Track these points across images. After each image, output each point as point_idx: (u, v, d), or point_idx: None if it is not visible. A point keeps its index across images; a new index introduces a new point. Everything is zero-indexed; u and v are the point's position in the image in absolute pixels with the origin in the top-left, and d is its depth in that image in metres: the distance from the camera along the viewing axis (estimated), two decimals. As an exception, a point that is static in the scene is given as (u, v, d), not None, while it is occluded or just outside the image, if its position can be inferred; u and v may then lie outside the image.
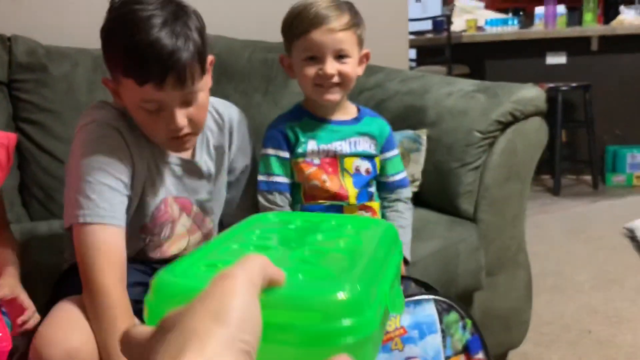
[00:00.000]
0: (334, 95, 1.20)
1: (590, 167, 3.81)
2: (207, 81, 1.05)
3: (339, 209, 1.24)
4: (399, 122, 1.55)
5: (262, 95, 1.84)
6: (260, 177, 1.23)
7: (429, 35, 4.26)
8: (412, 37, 3.65)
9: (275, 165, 1.22)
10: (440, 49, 3.99)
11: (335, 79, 1.18)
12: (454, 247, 1.43)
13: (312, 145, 1.23)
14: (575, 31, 3.93)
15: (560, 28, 4.03)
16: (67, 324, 0.94)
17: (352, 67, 1.19)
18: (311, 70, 1.17)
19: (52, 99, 1.55)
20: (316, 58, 1.17)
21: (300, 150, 1.23)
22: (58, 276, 1.15)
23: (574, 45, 3.90)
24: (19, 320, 0.96)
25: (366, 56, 1.24)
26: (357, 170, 1.27)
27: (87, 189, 0.99)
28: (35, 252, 1.30)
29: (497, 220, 1.49)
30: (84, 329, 0.94)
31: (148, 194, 1.10)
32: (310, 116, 1.26)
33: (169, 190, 1.13)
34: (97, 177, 0.99)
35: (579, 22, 4.15)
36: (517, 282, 1.59)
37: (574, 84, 3.63)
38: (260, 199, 1.23)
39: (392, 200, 1.31)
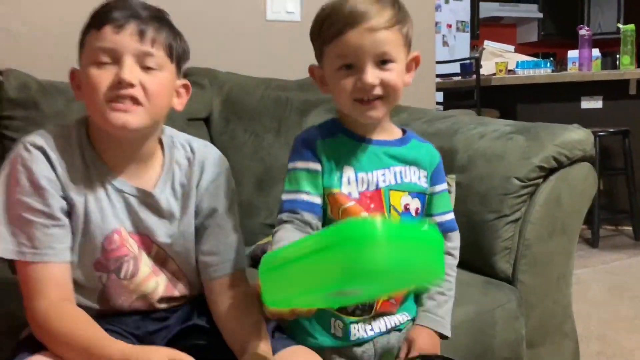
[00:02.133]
0: (377, 112, 0.99)
1: (630, 217, 3.66)
2: (170, 70, 1.01)
3: None
4: None
5: (273, 136, 1.71)
6: (284, 196, 1.01)
7: (457, 78, 4.16)
8: (438, 79, 3.55)
9: (304, 181, 1.00)
10: (468, 92, 3.89)
11: (378, 91, 0.97)
12: (489, 314, 1.26)
13: (348, 172, 1.02)
14: (612, 74, 3.81)
15: (596, 71, 3.90)
16: None
17: (399, 75, 0.99)
18: (348, 82, 0.97)
19: (42, 138, 1.42)
20: (353, 66, 0.97)
21: (334, 178, 1.01)
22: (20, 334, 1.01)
23: (610, 89, 3.80)
24: None
25: (415, 60, 1.04)
26: (406, 208, 1.05)
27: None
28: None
29: (540, 282, 1.34)
30: None
31: (93, 222, 0.98)
32: (346, 133, 1.04)
33: (121, 221, 1.01)
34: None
35: (614, 66, 4.04)
36: (563, 355, 1.41)
37: (611, 129, 3.52)
38: (283, 217, 0.99)
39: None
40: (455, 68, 4.10)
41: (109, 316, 1.01)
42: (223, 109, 1.70)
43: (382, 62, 0.96)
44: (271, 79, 1.80)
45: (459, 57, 4.55)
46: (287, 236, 0.95)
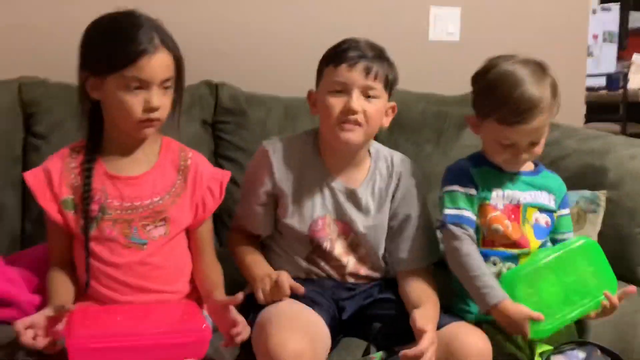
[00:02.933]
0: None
1: None
2: (384, 97, 1.29)
3: (516, 258, 1.26)
4: (575, 181, 1.54)
5: (433, 146, 1.89)
6: (447, 211, 1.27)
7: (602, 92, 4.08)
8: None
9: (463, 201, 1.27)
10: (613, 106, 3.81)
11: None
12: (629, 317, 1.38)
13: (496, 190, 1.28)
14: None
15: None
16: (291, 328, 1.10)
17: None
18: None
19: (248, 140, 1.73)
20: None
21: (483, 194, 1.27)
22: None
23: None
24: (233, 332, 1.10)
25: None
26: (537, 221, 1.30)
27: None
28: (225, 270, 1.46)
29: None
30: (306, 333, 1.11)
31: (305, 206, 1.30)
32: (490, 165, 1.30)
33: (328, 210, 1.31)
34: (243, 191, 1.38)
35: None
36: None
37: None
38: (448, 230, 1.26)
39: None
40: (601, 81, 4.03)
41: (314, 281, 1.31)
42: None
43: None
44: (431, 94, 1.98)
45: (604, 69, 4.44)
46: (474, 253, 1.23)
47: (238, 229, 1.40)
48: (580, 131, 1.80)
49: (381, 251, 1.35)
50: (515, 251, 1.27)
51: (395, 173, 1.35)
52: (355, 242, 1.34)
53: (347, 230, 1.33)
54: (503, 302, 1.17)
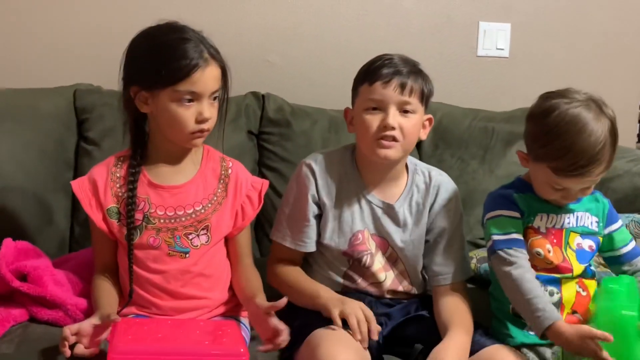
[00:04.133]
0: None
1: None
2: (421, 111, 1.28)
3: (558, 282, 1.23)
4: (625, 204, 1.51)
5: (478, 163, 1.87)
6: (495, 237, 1.24)
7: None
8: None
9: (510, 224, 1.24)
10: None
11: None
12: None
13: (540, 214, 1.25)
14: None
15: None
16: (340, 343, 1.12)
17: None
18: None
19: (292, 151, 1.75)
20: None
21: (531, 216, 1.25)
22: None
23: None
24: (278, 341, 1.12)
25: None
26: (579, 246, 1.27)
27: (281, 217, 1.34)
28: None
29: None
30: (356, 351, 1.12)
31: (345, 221, 1.29)
32: (533, 192, 1.28)
33: (366, 224, 1.30)
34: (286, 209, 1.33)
35: None
36: None
37: None
38: (498, 256, 1.22)
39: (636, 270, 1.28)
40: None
41: (351, 293, 1.29)
42: (433, 135, 1.87)
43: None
44: (479, 109, 1.96)
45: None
46: (527, 274, 1.20)
47: (277, 261, 1.34)
48: (632, 152, 1.74)
49: (419, 266, 1.34)
50: (557, 275, 1.24)
51: (433, 187, 1.33)
52: (393, 256, 1.33)
53: (384, 245, 1.32)
54: (556, 324, 1.12)
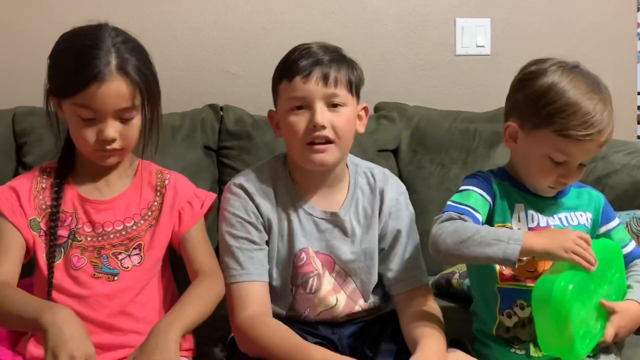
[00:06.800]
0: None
1: None
2: (352, 102, 1.12)
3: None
4: (625, 200, 1.39)
5: (460, 167, 1.73)
6: (453, 203, 1.07)
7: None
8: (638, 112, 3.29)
9: (475, 200, 1.07)
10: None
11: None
12: None
13: (519, 210, 1.10)
14: None
15: None
16: None
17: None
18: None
19: (253, 166, 1.60)
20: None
21: (507, 214, 1.09)
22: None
23: None
24: None
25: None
26: None
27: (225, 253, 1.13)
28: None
29: None
30: None
31: (285, 241, 1.12)
32: (513, 182, 1.13)
33: (309, 242, 1.13)
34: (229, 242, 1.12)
35: None
36: None
37: None
38: (446, 215, 1.03)
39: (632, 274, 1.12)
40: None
41: (299, 326, 1.12)
42: (411, 141, 1.76)
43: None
44: (459, 111, 1.83)
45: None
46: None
47: (246, 315, 1.09)
48: (631, 145, 1.59)
49: (373, 279, 1.18)
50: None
51: (378, 188, 1.18)
52: (341, 275, 1.16)
53: (330, 263, 1.15)
54: (525, 242, 0.97)
